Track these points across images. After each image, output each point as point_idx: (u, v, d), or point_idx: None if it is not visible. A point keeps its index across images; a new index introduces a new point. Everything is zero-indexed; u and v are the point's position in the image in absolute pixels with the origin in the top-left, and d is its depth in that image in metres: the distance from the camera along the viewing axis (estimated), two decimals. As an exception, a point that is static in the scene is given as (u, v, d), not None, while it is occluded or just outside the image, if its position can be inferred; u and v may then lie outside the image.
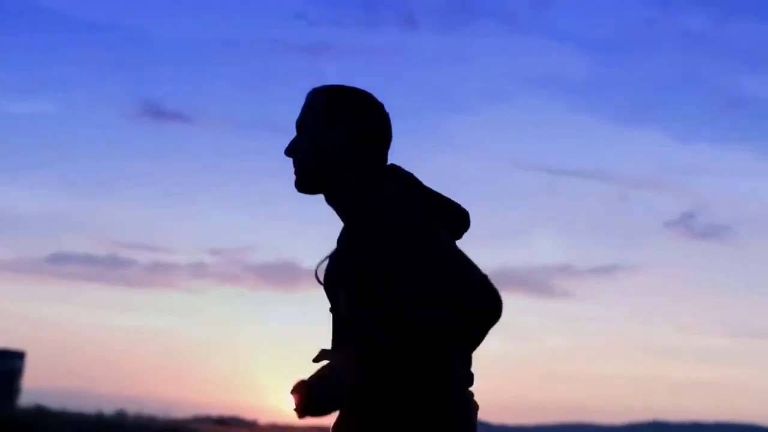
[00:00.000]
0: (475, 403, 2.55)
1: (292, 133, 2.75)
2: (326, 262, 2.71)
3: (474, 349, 2.56)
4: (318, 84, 2.77)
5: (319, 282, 2.72)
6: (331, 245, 2.72)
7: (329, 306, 2.70)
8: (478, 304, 2.43)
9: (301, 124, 2.74)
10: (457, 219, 2.64)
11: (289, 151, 2.73)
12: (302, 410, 2.49)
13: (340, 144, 2.67)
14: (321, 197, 2.71)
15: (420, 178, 2.69)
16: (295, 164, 2.72)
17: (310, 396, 2.46)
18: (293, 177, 2.73)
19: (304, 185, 2.71)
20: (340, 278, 2.61)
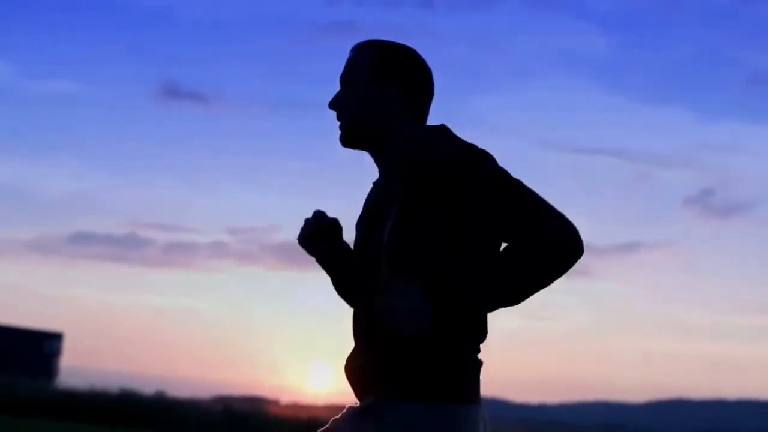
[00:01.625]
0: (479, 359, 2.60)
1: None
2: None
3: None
4: (339, 62, 2.77)
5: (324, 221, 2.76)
6: (350, 225, 2.74)
7: (360, 238, 2.73)
8: (573, 252, 2.51)
9: (346, 78, 2.73)
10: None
11: (332, 105, 2.73)
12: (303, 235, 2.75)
13: (388, 101, 2.67)
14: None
15: None
16: (339, 118, 2.72)
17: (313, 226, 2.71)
18: (337, 131, 2.72)
19: (351, 141, 2.72)
20: (390, 213, 2.60)
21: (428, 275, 2.50)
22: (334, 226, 2.75)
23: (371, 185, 2.77)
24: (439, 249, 2.52)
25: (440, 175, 2.52)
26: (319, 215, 2.75)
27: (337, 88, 2.75)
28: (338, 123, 2.73)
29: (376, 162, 2.73)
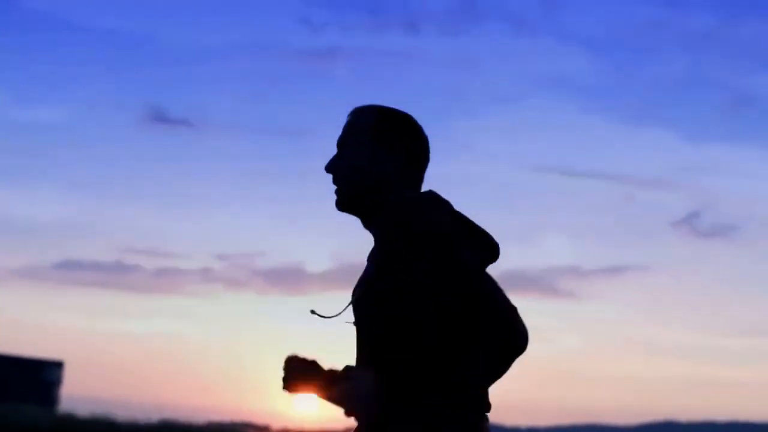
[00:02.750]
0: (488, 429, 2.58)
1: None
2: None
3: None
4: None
5: (318, 315, 2.69)
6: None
7: (353, 320, 2.67)
8: (517, 344, 2.51)
9: (343, 141, 2.72)
10: (488, 249, 2.62)
11: (329, 168, 2.71)
12: (285, 381, 2.57)
13: (386, 168, 2.66)
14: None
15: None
16: (336, 182, 2.71)
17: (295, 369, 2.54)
18: (333, 195, 2.71)
19: (347, 205, 2.70)
20: (375, 294, 2.59)
21: (387, 359, 2.50)
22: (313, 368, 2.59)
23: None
24: (402, 329, 2.50)
25: (412, 249, 2.52)
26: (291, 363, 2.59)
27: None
28: (334, 187, 2.70)
29: (368, 229, 2.71)
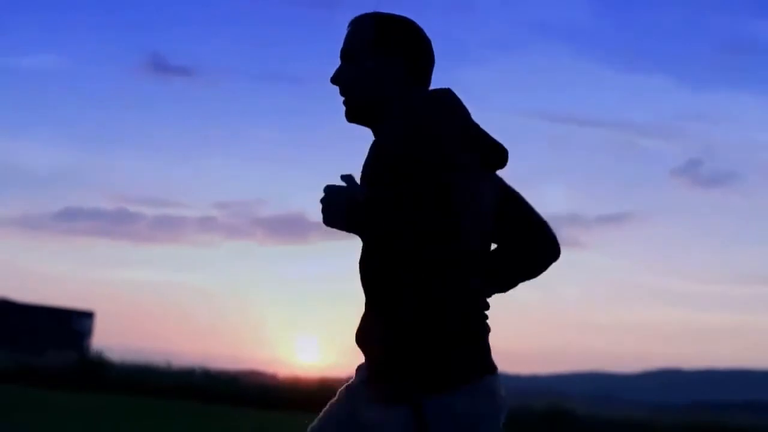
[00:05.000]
0: (488, 325, 2.61)
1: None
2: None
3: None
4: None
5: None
6: None
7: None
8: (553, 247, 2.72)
9: (346, 52, 2.71)
10: (494, 154, 2.65)
11: (334, 80, 2.71)
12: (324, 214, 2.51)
13: (391, 71, 2.66)
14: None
15: None
16: (342, 93, 2.70)
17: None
18: (342, 107, 2.70)
19: (356, 116, 2.69)
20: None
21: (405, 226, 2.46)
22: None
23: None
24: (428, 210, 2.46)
25: (432, 143, 2.49)
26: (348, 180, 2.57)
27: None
28: (342, 99, 2.70)
29: (377, 136, 2.67)
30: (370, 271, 2.60)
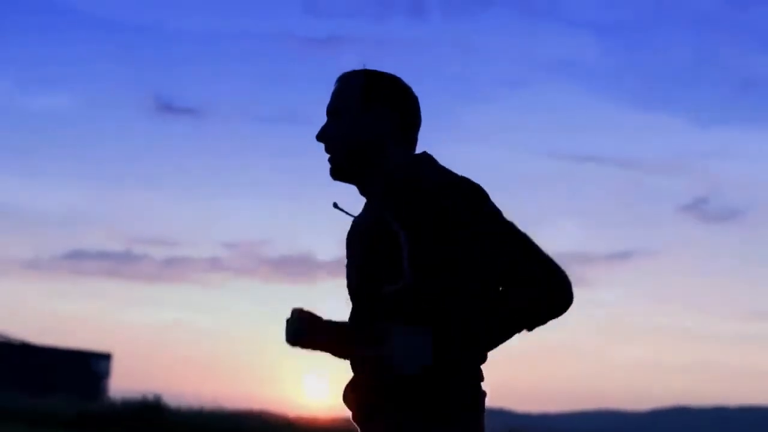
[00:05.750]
0: (484, 391, 2.59)
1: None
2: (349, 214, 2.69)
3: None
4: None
5: (341, 210, 2.69)
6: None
7: (347, 264, 2.68)
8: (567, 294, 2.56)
9: (332, 109, 2.67)
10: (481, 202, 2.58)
11: (320, 137, 2.67)
12: (296, 335, 2.54)
13: (377, 129, 2.63)
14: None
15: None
16: (328, 151, 2.66)
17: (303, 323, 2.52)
18: (327, 164, 2.67)
19: (340, 174, 2.67)
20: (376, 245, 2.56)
21: (425, 313, 2.48)
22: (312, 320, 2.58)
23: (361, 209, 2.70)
24: (433, 283, 2.48)
25: (431, 203, 2.49)
26: (298, 317, 2.57)
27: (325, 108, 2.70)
28: (327, 156, 2.67)
29: (364, 194, 2.68)
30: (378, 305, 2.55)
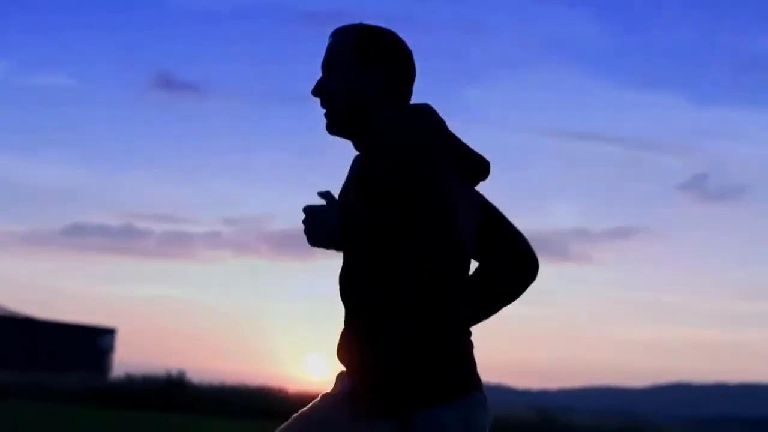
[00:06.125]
0: (472, 342, 2.63)
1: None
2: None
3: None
4: None
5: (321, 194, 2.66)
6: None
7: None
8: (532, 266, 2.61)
9: (327, 63, 2.69)
10: (476, 167, 2.62)
11: (316, 91, 2.69)
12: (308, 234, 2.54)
13: (372, 81, 2.64)
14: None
15: None
16: (323, 105, 2.68)
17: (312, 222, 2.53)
18: (323, 119, 2.69)
19: (337, 128, 2.68)
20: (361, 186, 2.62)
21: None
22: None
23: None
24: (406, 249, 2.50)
25: (407, 164, 2.52)
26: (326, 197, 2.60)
27: None
28: (323, 110, 2.69)
29: (358, 149, 2.71)
30: (355, 286, 2.61)
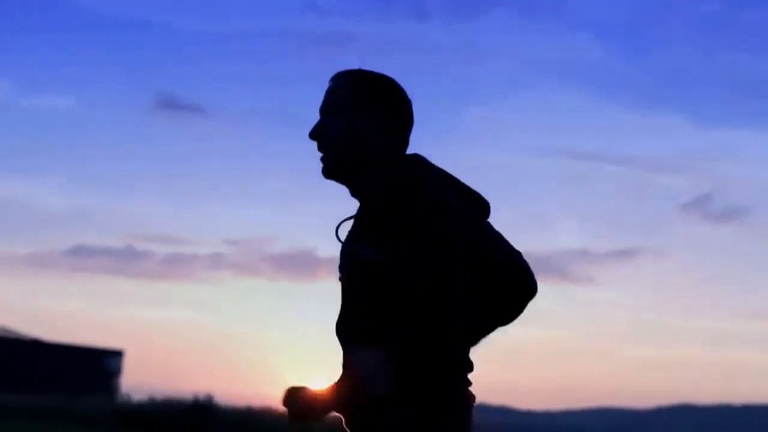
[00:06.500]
0: (472, 394, 2.59)
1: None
2: (349, 222, 2.69)
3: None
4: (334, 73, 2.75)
5: (339, 240, 2.69)
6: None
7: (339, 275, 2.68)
8: (530, 286, 2.54)
9: (326, 107, 2.69)
10: (478, 205, 2.62)
11: (313, 135, 2.68)
12: (290, 416, 2.61)
13: (369, 130, 2.64)
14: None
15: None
16: (320, 149, 2.68)
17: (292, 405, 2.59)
18: (319, 162, 2.69)
19: (332, 172, 2.68)
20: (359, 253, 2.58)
21: (394, 334, 2.50)
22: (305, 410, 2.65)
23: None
24: (402, 302, 2.50)
25: (402, 222, 2.50)
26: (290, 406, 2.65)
27: None
28: (320, 154, 2.68)
29: (354, 196, 2.69)
30: (353, 335, 2.59)
